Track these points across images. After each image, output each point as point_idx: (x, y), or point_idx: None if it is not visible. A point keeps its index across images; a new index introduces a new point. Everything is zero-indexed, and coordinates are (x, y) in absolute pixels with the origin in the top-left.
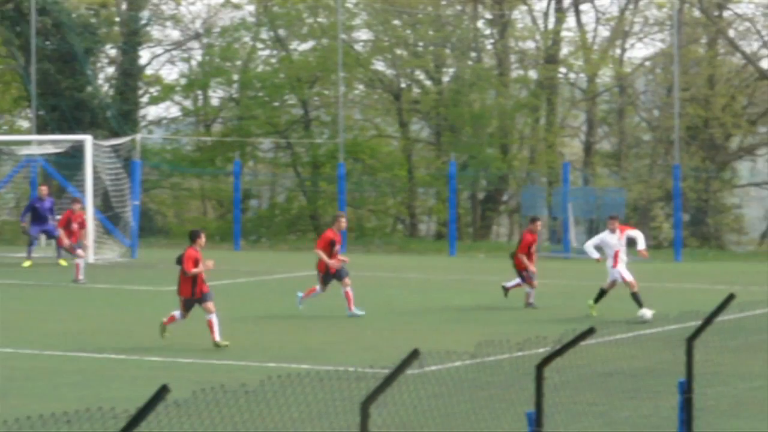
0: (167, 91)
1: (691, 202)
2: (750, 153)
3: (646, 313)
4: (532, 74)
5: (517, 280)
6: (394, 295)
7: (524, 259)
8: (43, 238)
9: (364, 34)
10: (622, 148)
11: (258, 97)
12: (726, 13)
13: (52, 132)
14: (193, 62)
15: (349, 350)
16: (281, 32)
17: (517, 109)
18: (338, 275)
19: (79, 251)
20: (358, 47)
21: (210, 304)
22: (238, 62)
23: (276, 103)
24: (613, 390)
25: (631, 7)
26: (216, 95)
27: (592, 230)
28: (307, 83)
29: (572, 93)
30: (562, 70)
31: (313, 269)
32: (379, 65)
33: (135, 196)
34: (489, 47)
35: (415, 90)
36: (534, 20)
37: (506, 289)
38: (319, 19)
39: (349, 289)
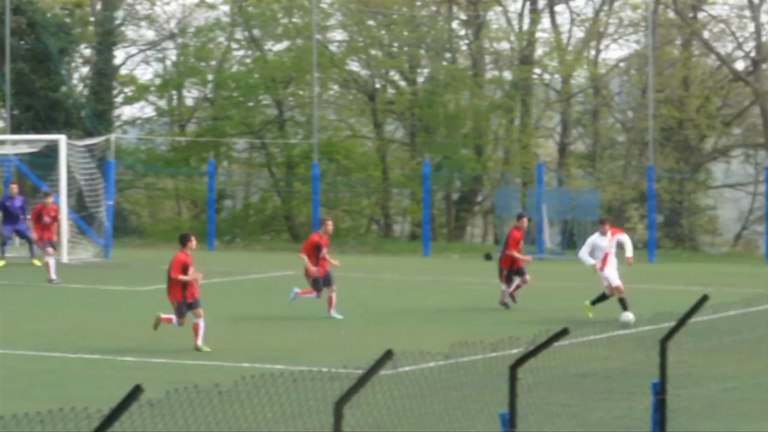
0: (142, 91)
1: (665, 204)
2: (724, 154)
3: (629, 316)
4: (507, 75)
5: (517, 281)
6: (369, 295)
7: (515, 254)
8: (17, 238)
9: (338, 35)
10: (597, 149)
11: (232, 98)
12: (700, 15)
13: (27, 132)
14: (168, 62)
15: (323, 351)
16: (256, 32)
17: (492, 110)
18: (327, 281)
19: (49, 249)
20: (333, 48)
21: (200, 310)
22: (213, 62)
23: (250, 104)
24: (587, 391)
25: (605, 8)
26: (190, 95)
27: (567, 231)
28: (281, 83)
29: (547, 94)
30: (537, 71)
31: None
32: (354, 66)
33: (109, 196)
34: (464, 48)
35: (390, 90)
36: (509, 21)
37: (512, 297)
38: (294, 20)
39: (334, 295)
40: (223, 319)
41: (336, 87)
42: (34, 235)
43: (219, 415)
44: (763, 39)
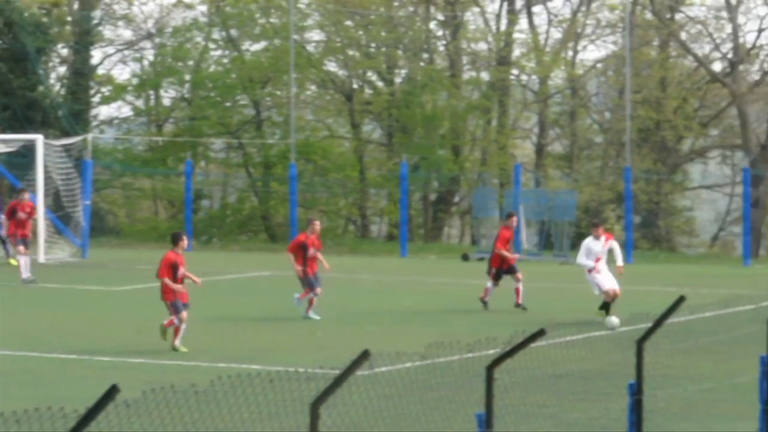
0: (119, 91)
1: (642, 205)
2: (701, 155)
3: (614, 320)
4: (484, 76)
5: (489, 287)
6: (345, 296)
7: (503, 252)
8: None
9: (316, 35)
10: (574, 150)
11: (210, 98)
12: (678, 16)
13: (3, 131)
14: (145, 62)
15: (299, 351)
16: (233, 32)
17: (469, 111)
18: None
19: (20, 247)
20: (311, 48)
21: (184, 314)
22: (190, 62)
23: (228, 104)
24: (564, 392)
25: (583, 9)
26: (168, 95)
27: (544, 232)
28: (259, 83)
29: (524, 95)
30: (514, 71)
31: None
32: (332, 66)
33: (86, 196)
34: (441, 49)
35: (367, 91)
36: (486, 22)
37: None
38: (272, 20)
39: (315, 297)
40: (200, 319)
41: (313, 87)
42: (4, 231)
43: (195, 415)
44: (740, 40)
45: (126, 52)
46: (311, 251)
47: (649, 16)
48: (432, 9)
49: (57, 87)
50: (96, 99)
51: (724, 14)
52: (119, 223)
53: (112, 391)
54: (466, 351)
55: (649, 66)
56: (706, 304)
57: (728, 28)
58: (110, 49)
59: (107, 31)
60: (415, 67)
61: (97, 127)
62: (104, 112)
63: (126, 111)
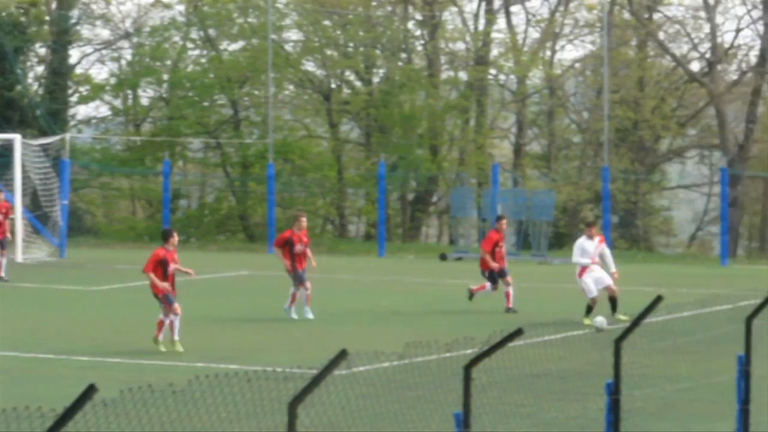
0: (97, 91)
1: (620, 204)
2: (679, 155)
3: (601, 320)
4: (462, 75)
5: (487, 286)
6: (323, 296)
7: (487, 257)
8: None
9: (294, 35)
10: (552, 149)
11: (188, 97)
12: (656, 16)
13: None
14: (123, 62)
15: (277, 351)
16: (211, 32)
17: (447, 111)
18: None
19: None
20: (289, 47)
21: (177, 306)
22: (168, 62)
23: (206, 103)
24: (541, 391)
25: (561, 9)
26: (146, 95)
27: (522, 232)
28: (237, 83)
29: (502, 94)
30: (492, 71)
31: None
32: (309, 66)
33: (64, 196)
34: (419, 48)
35: (345, 91)
36: (464, 21)
37: (471, 292)
38: (249, 19)
39: (298, 294)
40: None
41: (291, 87)
42: None
43: (173, 414)
44: (718, 40)
45: (104, 52)
46: (298, 247)
47: (627, 15)
48: (410, 9)
49: (35, 86)
50: (74, 98)
51: (702, 14)
52: (97, 223)
53: (89, 391)
54: (444, 350)
55: (627, 66)
56: (683, 304)
57: (706, 28)
58: (88, 49)
59: (85, 31)
60: (393, 66)
61: (75, 127)
62: (82, 111)
63: (104, 110)
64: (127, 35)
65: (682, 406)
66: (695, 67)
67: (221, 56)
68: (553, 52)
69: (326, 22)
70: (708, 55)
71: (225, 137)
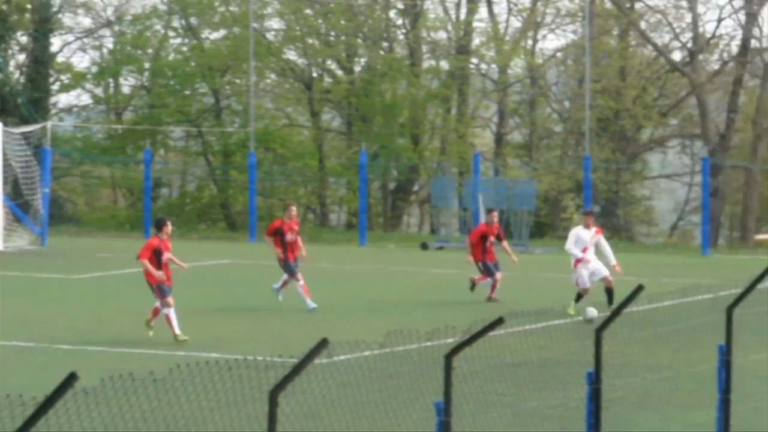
0: (78, 79)
1: (601, 194)
2: (660, 145)
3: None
4: (444, 65)
5: (491, 281)
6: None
7: (470, 249)
8: None
9: (275, 23)
10: (533, 139)
11: (169, 86)
12: (637, 5)
13: None
14: (105, 50)
15: (258, 339)
16: (193, 20)
17: (429, 100)
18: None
19: None
20: (270, 36)
21: (170, 299)
22: (150, 50)
23: (187, 92)
24: (522, 380)
25: None
26: (127, 83)
27: (503, 221)
28: (218, 72)
29: (484, 84)
30: (474, 60)
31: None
32: (291, 54)
33: (45, 184)
34: (401, 37)
35: (327, 79)
36: (446, 10)
37: (473, 282)
38: (231, 8)
39: (288, 281)
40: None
41: (273, 76)
42: None
43: (154, 403)
44: (700, 30)
45: (85, 40)
46: (289, 236)
47: (608, 5)
48: None
49: (16, 75)
50: (55, 87)
51: (684, 3)
52: (78, 211)
53: (70, 379)
54: (424, 339)
55: (608, 55)
56: (664, 293)
57: (688, 18)
58: (70, 37)
59: (67, 19)
60: (375, 55)
61: (57, 115)
62: (63, 99)
63: (85, 99)
64: (108, 23)
65: (663, 395)
66: (677, 56)
67: (203, 45)
68: (535, 41)
69: (308, 11)
70: (689, 45)
71: (206, 126)
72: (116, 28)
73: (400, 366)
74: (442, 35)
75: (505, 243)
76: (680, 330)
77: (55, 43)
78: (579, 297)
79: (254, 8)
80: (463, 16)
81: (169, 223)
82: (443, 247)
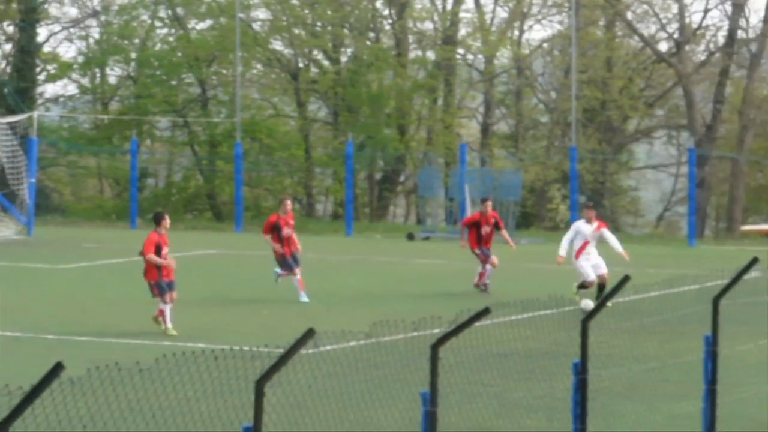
0: (65, 69)
1: (587, 184)
2: (647, 135)
3: (589, 303)
4: (430, 55)
5: (487, 270)
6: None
7: (463, 234)
8: None
9: (262, 14)
10: (520, 129)
11: (155, 76)
12: None
13: None
14: (91, 40)
15: (244, 330)
16: (179, 11)
17: (415, 90)
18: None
19: None
20: (257, 26)
21: (174, 293)
22: (136, 41)
23: (173, 82)
24: (508, 371)
25: None
26: (113, 73)
27: None
28: (204, 62)
29: (470, 74)
30: (460, 51)
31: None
32: (277, 45)
33: (31, 174)
34: (387, 28)
35: (313, 70)
36: (432, 1)
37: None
38: None
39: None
40: (144, 298)
41: (259, 66)
42: None
43: (140, 392)
44: (686, 21)
45: (72, 30)
46: (286, 230)
47: None
48: None
49: (2, 65)
50: (42, 77)
51: None
52: (64, 201)
53: (56, 369)
54: (411, 330)
55: (595, 46)
56: (651, 284)
57: (674, 9)
58: (56, 27)
59: (53, 9)
60: (361, 46)
61: (43, 105)
62: (50, 90)
63: (71, 89)
64: (95, 14)
65: (649, 385)
66: (663, 47)
67: (189, 35)
68: (521, 31)
69: (294, 1)
70: (676, 36)
71: (192, 116)
72: (102, 18)
73: (386, 356)
74: (428, 26)
75: (504, 231)
76: (666, 321)
77: (42, 33)
78: (582, 286)
79: None
80: (449, 6)
81: (167, 217)
82: (429, 238)
